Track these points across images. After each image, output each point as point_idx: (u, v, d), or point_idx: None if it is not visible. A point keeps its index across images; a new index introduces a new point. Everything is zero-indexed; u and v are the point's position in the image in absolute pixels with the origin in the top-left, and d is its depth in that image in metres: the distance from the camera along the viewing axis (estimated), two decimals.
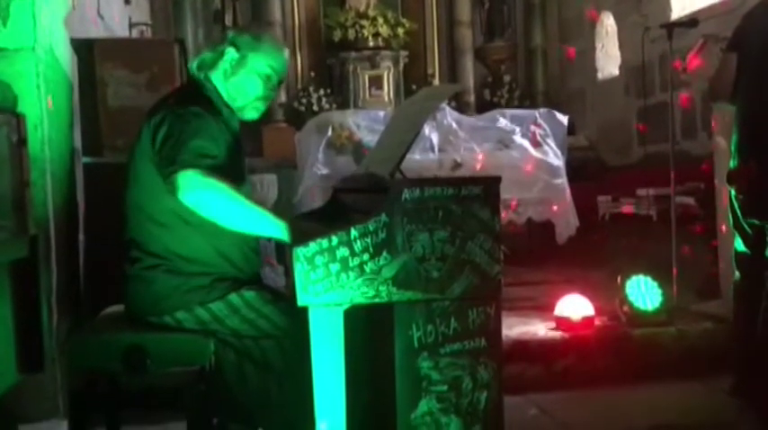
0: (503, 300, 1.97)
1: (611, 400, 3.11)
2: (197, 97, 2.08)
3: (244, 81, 2.11)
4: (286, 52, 2.20)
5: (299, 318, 1.89)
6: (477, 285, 1.86)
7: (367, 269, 1.81)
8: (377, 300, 1.82)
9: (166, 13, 6.80)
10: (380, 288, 1.82)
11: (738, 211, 2.83)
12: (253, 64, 2.10)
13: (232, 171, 2.00)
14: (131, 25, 4.97)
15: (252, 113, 2.17)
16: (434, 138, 4.82)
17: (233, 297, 2.03)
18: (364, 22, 7.01)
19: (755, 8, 2.86)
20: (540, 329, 3.58)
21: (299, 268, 1.79)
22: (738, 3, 4.61)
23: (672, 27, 4.07)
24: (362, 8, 7.10)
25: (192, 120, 1.96)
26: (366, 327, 1.96)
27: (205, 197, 1.87)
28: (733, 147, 2.86)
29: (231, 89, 2.12)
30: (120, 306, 2.18)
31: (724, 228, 3.51)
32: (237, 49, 2.10)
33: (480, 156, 4.73)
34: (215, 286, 2.02)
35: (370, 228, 1.81)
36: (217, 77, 2.12)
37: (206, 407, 2.01)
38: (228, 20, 6.97)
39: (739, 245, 2.90)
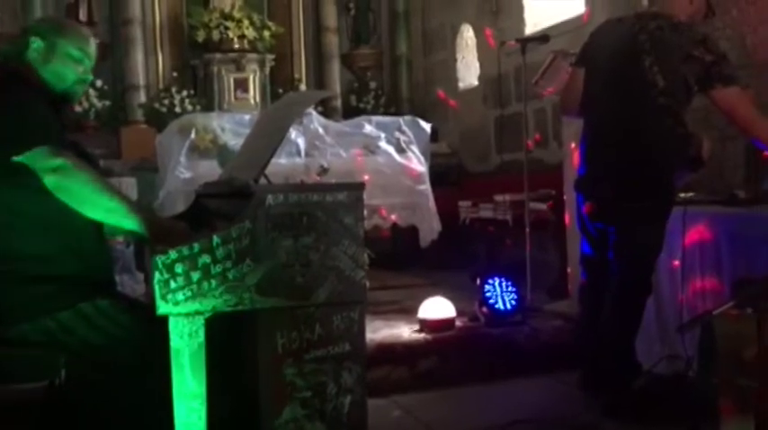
0: (368, 305, 1.99)
1: (471, 398, 3.22)
2: (18, 85, 1.98)
3: (59, 67, 2.05)
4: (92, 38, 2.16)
5: (157, 327, 1.82)
6: (341, 291, 1.88)
7: (230, 276, 1.78)
8: (240, 307, 1.79)
9: (13, 8, 6.35)
10: (244, 295, 1.79)
11: (584, 216, 3.02)
12: (63, 49, 2.05)
13: None
14: None
15: (72, 98, 2.13)
16: (301, 142, 4.82)
17: (85, 306, 1.92)
18: (229, 24, 6.87)
19: (601, 26, 3.07)
20: (404, 332, 3.66)
21: (159, 276, 1.73)
22: (585, 20, 4.96)
23: (525, 42, 4.31)
24: (227, 9, 6.96)
25: (25, 107, 1.87)
26: (229, 336, 1.92)
27: (67, 175, 1.78)
28: (581, 155, 3.05)
29: (48, 76, 2.04)
30: None
31: (572, 231, 3.74)
32: (42, 37, 2.04)
33: (346, 162, 4.78)
34: (64, 293, 1.90)
35: (233, 235, 1.78)
36: (31, 65, 2.03)
37: (56, 424, 1.89)
38: (83, 14, 6.61)
39: (585, 247, 3.10)
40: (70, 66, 2.06)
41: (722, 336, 2.16)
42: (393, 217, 4.94)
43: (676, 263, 3.07)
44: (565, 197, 4.01)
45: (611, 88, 2.85)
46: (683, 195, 2.99)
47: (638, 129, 2.77)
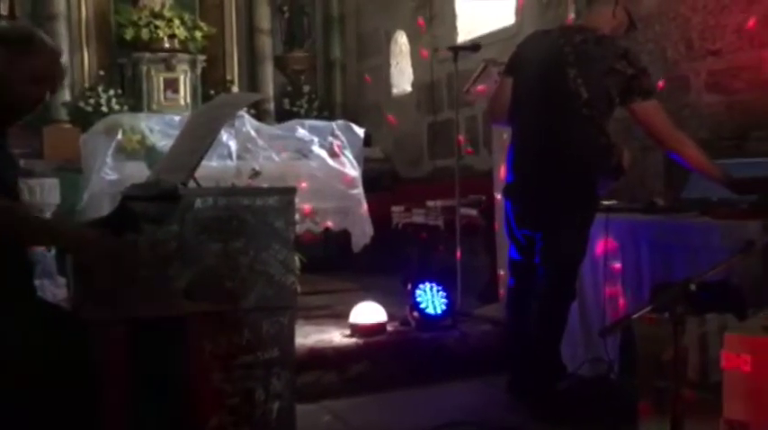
0: (299, 309, 1.98)
1: (401, 403, 3.24)
2: None
3: None
4: None
5: (80, 333, 1.76)
6: (271, 295, 1.86)
7: (155, 281, 1.74)
8: (166, 313, 1.76)
9: None
10: (170, 301, 1.75)
11: (512, 222, 3.09)
12: None
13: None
14: None
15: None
16: (232, 145, 4.75)
17: None
18: (159, 23, 6.71)
19: (529, 37, 3.16)
20: (335, 337, 3.65)
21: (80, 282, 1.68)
22: (515, 31, 5.07)
23: (457, 50, 4.37)
24: (157, 8, 6.80)
25: None
26: (154, 342, 1.87)
27: None
28: (509, 163, 3.12)
29: None
30: None
31: (502, 237, 3.81)
32: None
33: (279, 165, 4.74)
34: None
35: (160, 239, 1.75)
36: None
37: None
38: (4, 8, 6.34)
39: (513, 253, 3.16)
40: None
41: (641, 340, 2.24)
42: (325, 221, 4.93)
43: (599, 268, 3.17)
44: (495, 203, 4.08)
45: (538, 98, 2.92)
46: (605, 203, 3.09)
47: (563, 138, 2.85)
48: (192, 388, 1.80)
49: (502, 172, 3.53)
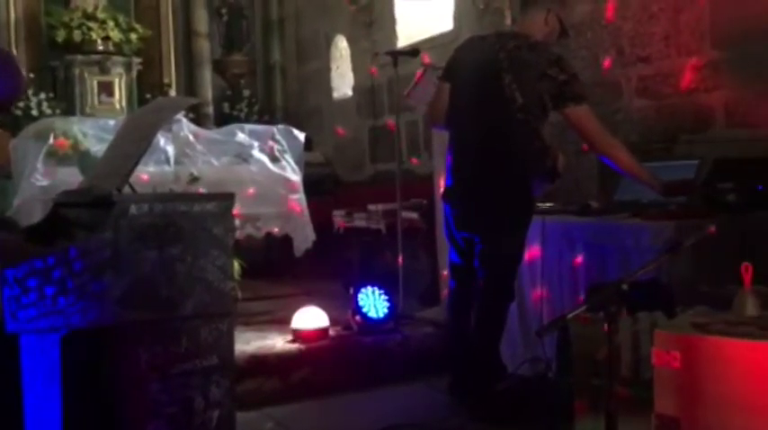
0: (240, 316, 1.96)
1: (345, 407, 3.24)
2: None
3: None
4: None
5: (6, 345, 1.70)
6: (209, 303, 1.84)
7: (89, 290, 1.69)
8: (101, 322, 1.71)
9: None
10: (105, 309, 1.71)
11: (452, 225, 3.13)
12: None
13: None
14: None
15: None
16: (170, 150, 4.66)
17: None
18: (92, 24, 6.54)
19: (465, 43, 3.20)
20: (277, 343, 3.62)
21: (8, 292, 1.62)
22: (453, 36, 5.14)
23: (396, 55, 4.40)
24: (90, 9, 6.63)
25: None
26: (88, 352, 1.82)
27: None
28: (448, 167, 3.16)
29: None
30: None
31: (442, 240, 3.85)
32: None
33: (218, 170, 4.68)
34: None
35: (93, 246, 1.70)
36: None
37: None
38: None
39: (453, 256, 3.20)
40: None
41: (576, 339, 2.30)
42: (266, 226, 4.88)
43: (537, 269, 3.24)
44: (436, 206, 4.12)
45: (475, 103, 2.97)
46: (541, 206, 3.16)
47: (500, 142, 2.90)
48: (126, 398, 1.76)
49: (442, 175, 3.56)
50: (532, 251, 3.19)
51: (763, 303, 1.84)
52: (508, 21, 4.54)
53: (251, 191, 4.68)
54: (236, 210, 4.32)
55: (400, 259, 4.28)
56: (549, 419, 2.61)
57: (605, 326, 1.73)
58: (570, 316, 1.77)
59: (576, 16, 4.04)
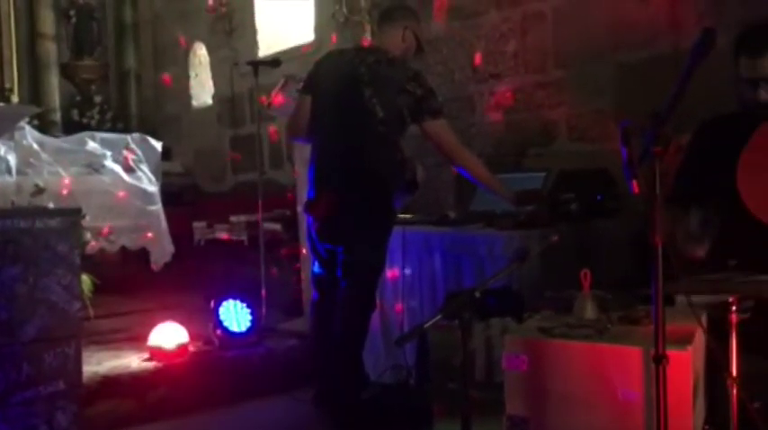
0: (93, 335, 1.87)
1: (205, 426, 3.16)
2: None
3: None
4: None
5: None
6: (53, 325, 1.74)
7: None
8: None
9: None
10: None
11: (314, 236, 3.13)
12: None
13: None
14: None
15: None
16: (12, 159, 4.35)
17: None
18: None
19: (325, 57, 3.22)
20: (132, 361, 3.47)
21: None
22: (314, 48, 5.16)
23: (257, 65, 4.36)
24: None
25: None
26: None
27: None
28: (310, 179, 3.16)
29: None
30: None
31: (304, 251, 3.85)
32: None
33: (67, 181, 4.42)
34: None
35: None
36: None
37: None
38: None
39: (316, 267, 3.20)
40: None
41: (434, 346, 2.38)
42: (121, 239, 4.68)
43: (398, 279, 3.31)
44: (297, 217, 4.11)
45: (336, 116, 2.99)
46: (402, 216, 3.24)
47: (361, 155, 2.94)
48: None
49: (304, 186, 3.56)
50: (394, 261, 3.26)
51: (600, 306, 1.98)
52: (368, 34, 4.62)
53: (104, 202, 4.47)
54: (87, 223, 4.14)
55: (263, 271, 4.24)
56: (411, 425, 2.67)
57: (460, 332, 1.79)
58: (427, 325, 1.82)
59: (432, 33, 4.18)
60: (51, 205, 3.57)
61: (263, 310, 4.04)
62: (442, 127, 2.95)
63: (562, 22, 3.73)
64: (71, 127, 6.54)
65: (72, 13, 7.13)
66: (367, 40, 4.51)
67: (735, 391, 1.74)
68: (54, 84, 6.88)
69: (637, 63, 3.38)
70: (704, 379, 1.90)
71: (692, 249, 1.94)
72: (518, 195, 3.05)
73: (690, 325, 1.73)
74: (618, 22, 3.42)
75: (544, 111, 3.82)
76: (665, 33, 3.23)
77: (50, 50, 6.88)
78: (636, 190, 1.49)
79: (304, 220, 3.44)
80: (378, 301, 3.16)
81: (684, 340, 1.69)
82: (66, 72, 7.10)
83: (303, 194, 3.57)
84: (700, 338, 1.80)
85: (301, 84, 3.29)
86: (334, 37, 4.90)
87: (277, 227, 4.61)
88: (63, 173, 4.49)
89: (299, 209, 3.95)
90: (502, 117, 4.03)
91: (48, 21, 6.85)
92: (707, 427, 1.89)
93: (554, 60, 3.78)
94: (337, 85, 2.99)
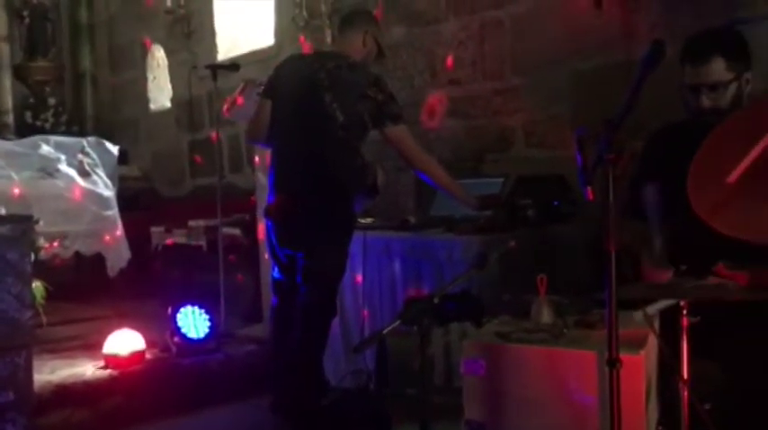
0: (45, 343, 1.82)
1: None
2: None
3: None
4: None
5: None
6: (2, 335, 1.69)
7: None
8: None
9: None
10: None
11: (274, 241, 3.11)
12: None
13: None
14: None
15: None
16: None
17: None
18: None
19: (285, 61, 3.21)
20: (87, 370, 3.40)
21: None
22: (274, 52, 5.13)
23: (216, 68, 4.32)
24: None
25: None
26: None
27: None
28: (270, 183, 3.14)
29: None
30: None
31: (265, 256, 3.82)
32: None
33: (18, 186, 4.31)
34: None
35: None
36: None
37: None
38: None
39: (275, 272, 3.18)
40: None
41: (393, 351, 2.38)
42: (75, 245, 4.58)
43: (359, 284, 3.31)
44: (258, 222, 4.08)
45: (296, 121, 2.98)
46: (362, 221, 3.24)
47: (321, 159, 2.94)
48: None
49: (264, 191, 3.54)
50: (354, 266, 3.26)
51: (556, 311, 2.01)
52: (328, 39, 4.62)
53: (57, 207, 4.38)
54: (41, 228, 4.05)
55: (221, 276, 4.19)
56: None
57: (419, 337, 1.80)
58: (386, 330, 1.82)
59: (392, 38, 4.20)
60: (2, 211, 3.49)
61: (222, 316, 4.00)
62: (402, 132, 2.97)
63: (520, 29, 3.78)
64: (24, 130, 6.39)
65: (25, 13, 6.96)
66: (328, 44, 4.51)
67: (686, 393, 1.78)
68: (6, 85, 6.73)
69: (592, 70, 3.44)
70: (657, 381, 1.94)
71: (657, 275, 1.98)
72: (480, 199, 3.08)
73: (643, 329, 1.77)
74: (574, 30, 3.48)
75: (501, 117, 3.87)
76: (618, 42, 3.29)
77: (3, 51, 6.72)
78: (590, 196, 1.51)
79: (264, 225, 3.41)
80: (338, 306, 3.15)
81: (637, 344, 1.73)
82: (20, 73, 6.94)
83: (263, 198, 3.55)
84: (652, 342, 1.83)
85: (261, 88, 3.28)
86: (294, 41, 4.89)
87: (236, 231, 4.57)
88: (15, 177, 4.38)
89: (259, 213, 3.92)
90: (460, 122, 4.06)
91: (0, 21, 6.69)
92: (660, 428, 1.93)
93: (511, 67, 3.82)
94: (297, 90, 2.98)
